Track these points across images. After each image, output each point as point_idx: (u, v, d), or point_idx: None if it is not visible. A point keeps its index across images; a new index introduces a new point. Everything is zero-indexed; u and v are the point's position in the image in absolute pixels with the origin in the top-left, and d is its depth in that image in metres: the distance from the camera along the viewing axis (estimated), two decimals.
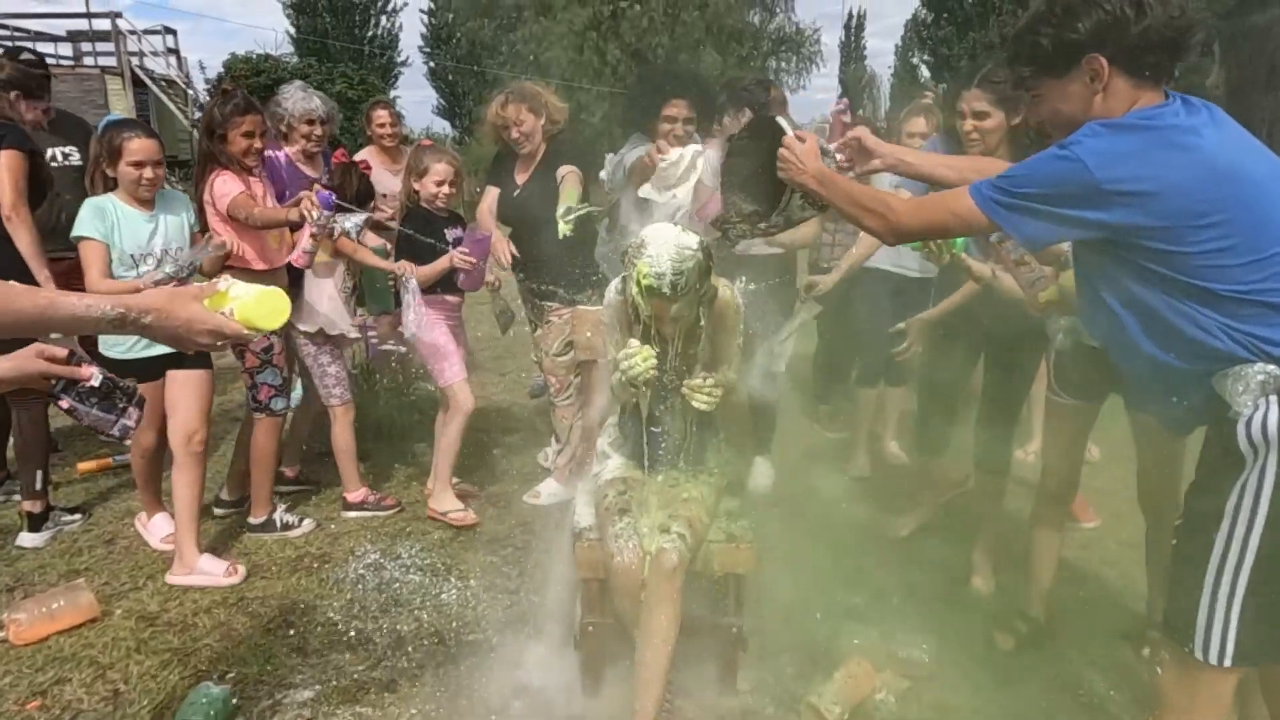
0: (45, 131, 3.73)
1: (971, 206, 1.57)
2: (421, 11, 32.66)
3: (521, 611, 2.80)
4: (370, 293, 4.01)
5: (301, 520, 3.41)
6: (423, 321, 3.25)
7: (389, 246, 3.56)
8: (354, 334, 3.60)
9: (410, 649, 2.60)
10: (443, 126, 32.22)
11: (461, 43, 30.90)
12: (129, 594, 2.91)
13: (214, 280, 1.58)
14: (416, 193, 3.38)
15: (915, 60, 31.21)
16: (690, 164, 2.79)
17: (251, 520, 3.37)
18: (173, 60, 20.04)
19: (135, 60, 18.21)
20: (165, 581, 2.97)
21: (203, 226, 3.10)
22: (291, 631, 2.69)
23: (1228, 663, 1.49)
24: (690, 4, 24.75)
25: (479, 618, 2.77)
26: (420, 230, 3.29)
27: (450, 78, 32.98)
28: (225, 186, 2.99)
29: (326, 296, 3.36)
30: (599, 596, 2.27)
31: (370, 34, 29.63)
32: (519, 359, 6.08)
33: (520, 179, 3.46)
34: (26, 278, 3.10)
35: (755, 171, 2.07)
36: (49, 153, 3.77)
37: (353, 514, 3.53)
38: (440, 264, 3.27)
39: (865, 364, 4.05)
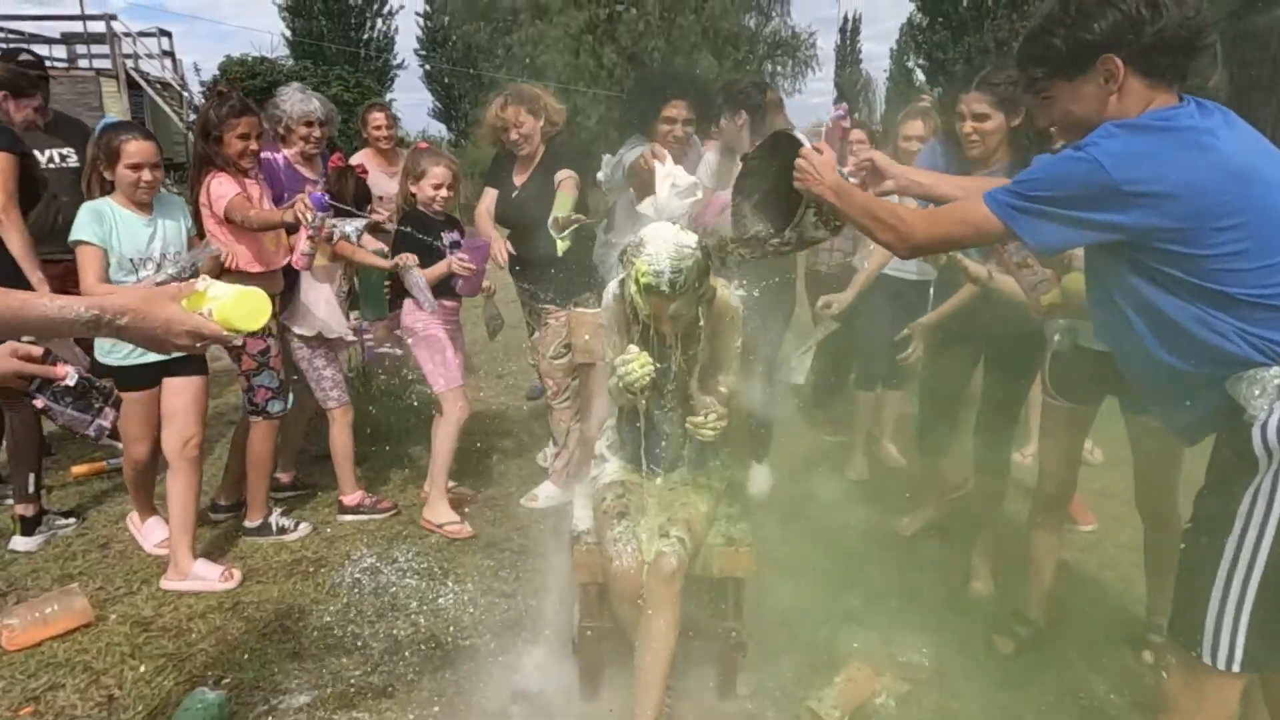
0: (42, 133, 3.71)
1: (987, 214, 1.56)
2: (417, 14, 32.62)
3: (519, 615, 2.79)
4: (366, 297, 3.99)
5: (297, 524, 3.39)
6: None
7: (385, 249, 3.54)
8: (350, 337, 3.59)
9: (407, 654, 2.58)
10: (439, 129, 32.18)
11: (457, 46, 30.86)
12: (123, 599, 2.89)
13: (191, 280, 1.54)
14: (414, 196, 3.37)
15: (910, 64, 31.29)
16: (688, 190, 2.77)
17: (247, 524, 3.35)
18: (168, 63, 20.01)
19: (130, 63, 18.17)
20: (160, 586, 2.94)
21: (199, 230, 3.09)
22: (287, 636, 2.67)
23: (1236, 668, 1.48)
24: (686, 7, 24.76)
25: (476, 622, 2.75)
26: (417, 234, 3.28)
27: (446, 81, 32.94)
28: (221, 189, 2.98)
29: (324, 300, 3.35)
30: (597, 600, 2.26)
31: (366, 37, 29.54)
32: (516, 362, 6.07)
33: (519, 180, 3.46)
34: (19, 280, 3.08)
35: (770, 190, 2.07)
36: (46, 154, 3.75)
37: (349, 518, 3.51)
38: (438, 269, 3.26)
39: (863, 367, 4.05)
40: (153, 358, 2.80)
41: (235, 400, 4.70)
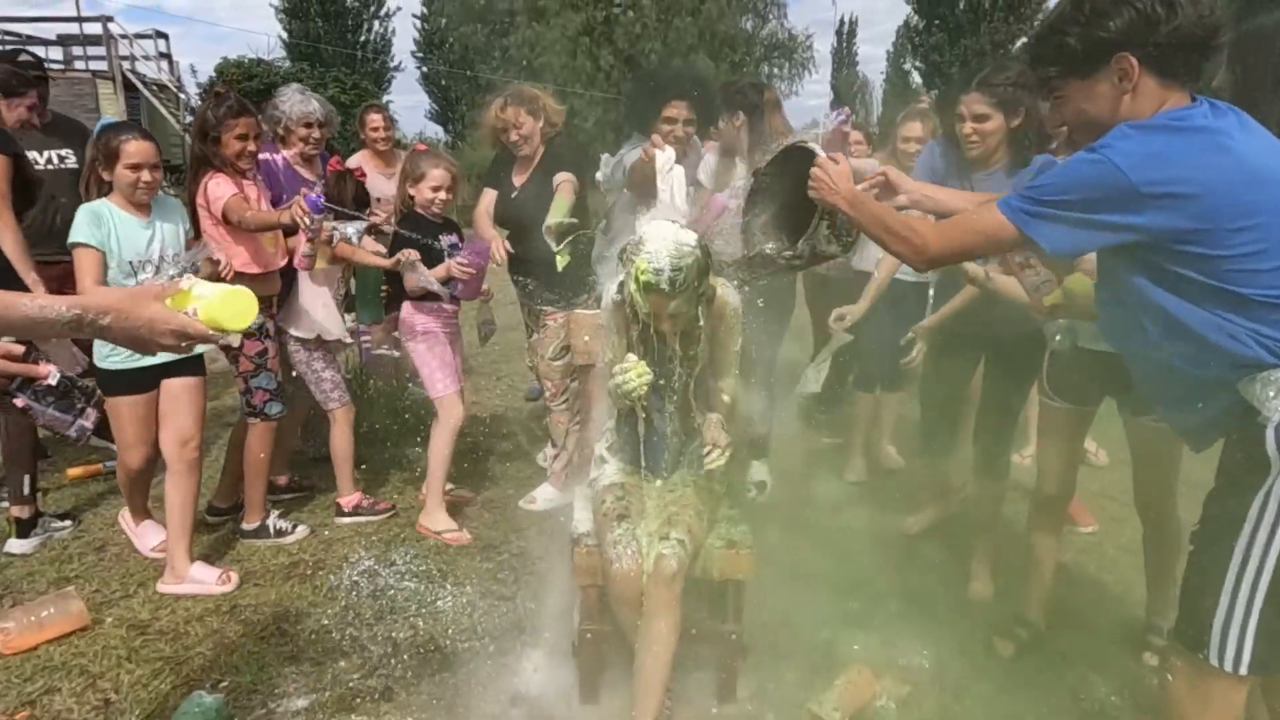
0: (41, 134, 3.70)
1: (1002, 222, 1.55)
2: (414, 16, 32.63)
3: (518, 618, 2.77)
4: (362, 301, 3.97)
5: (295, 526, 3.37)
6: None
7: (384, 250, 3.53)
8: (348, 339, 3.58)
9: (406, 657, 2.57)
10: (435, 131, 32.19)
11: (454, 48, 30.85)
12: (120, 602, 2.87)
13: (175, 279, 1.52)
14: (412, 198, 3.35)
15: (907, 67, 31.36)
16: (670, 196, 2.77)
17: (244, 526, 3.33)
18: (164, 64, 19.96)
19: (126, 64, 18.12)
20: (156, 589, 2.93)
21: (195, 231, 3.07)
22: (285, 639, 2.66)
23: (1243, 671, 1.47)
24: (683, 10, 24.78)
25: (475, 625, 2.74)
26: (416, 236, 3.26)
27: (443, 83, 32.93)
28: (219, 189, 2.97)
29: (322, 303, 3.34)
30: (597, 603, 2.25)
31: (363, 39, 29.54)
32: (514, 363, 6.06)
33: (518, 181, 3.45)
34: (14, 282, 3.06)
35: (781, 208, 2.06)
36: (44, 155, 3.74)
37: (346, 520, 3.50)
38: (437, 272, 3.24)
39: (861, 369, 4.04)
40: (150, 361, 2.78)
41: (231, 402, 4.69)
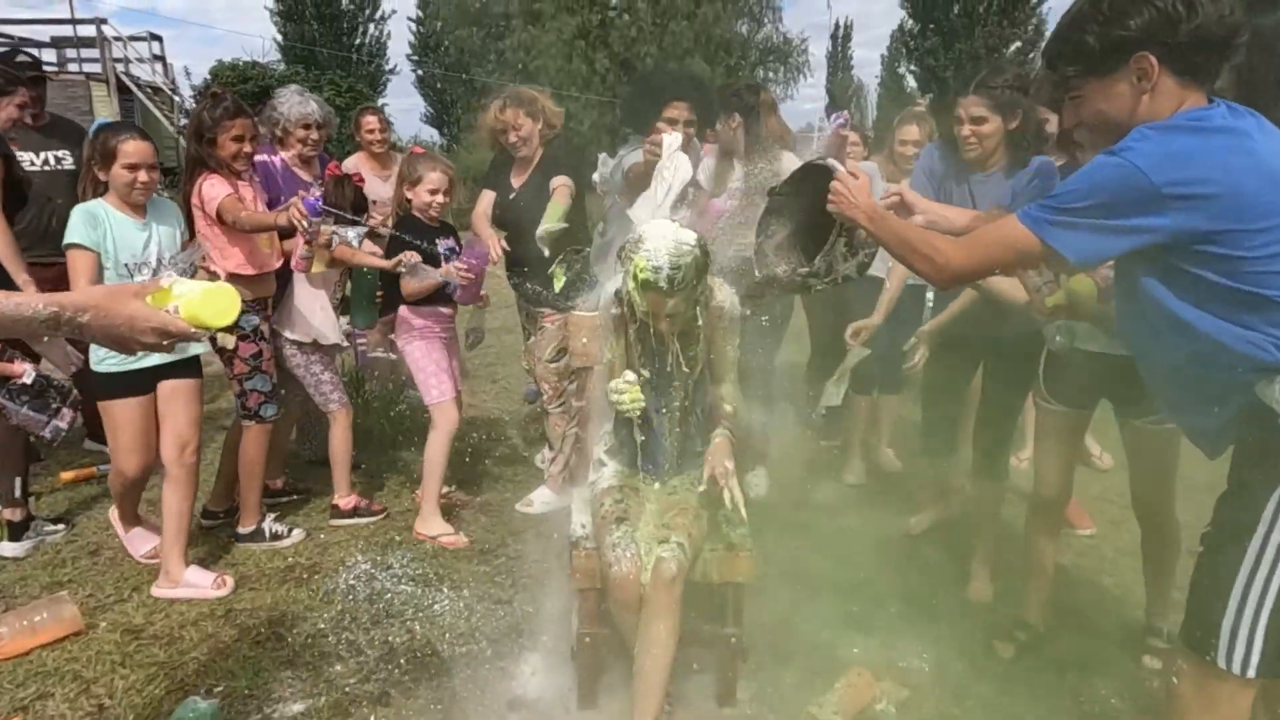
0: (38, 134, 3.69)
1: (1024, 233, 1.53)
2: (410, 20, 32.65)
3: (515, 622, 2.76)
4: (356, 305, 3.95)
5: (291, 530, 3.35)
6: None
7: (380, 252, 3.52)
8: (345, 344, 3.56)
9: (403, 661, 2.55)
10: (431, 134, 32.17)
11: (450, 51, 30.87)
12: (114, 606, 2.85)
13: (156, 277, 1.49)
14: (409, 201, 3.34)
15: (902, 70, 31.47)
16: (668, 189, 2.75)
17: (240, 530, 3.31)
18: (158, 67, 19.92)
19: (120, 67, 18.08)
20: (151, 594, 2.90)
21: (191, 232, 3.05)
22: (281, 644, 2.64)
23: (1251, 673, 1.47)
24: (679, 13, 24.83)
25: (472, 629, 2.72)
26: (412, 240, 3.24)
27: (439, 86, 32.93)
28: (214, 190, 2.95)
29: (320, 307, 3.32)
30: (596, 607, 2.24)
31: (358, 41, 29.52)
32: (510, 366, 6.05)
33: (516, 183, 3.45)
34: (5, 283, 3.04)
35: (794, 231, 2.05)
36: (41, 156, 3.73)
37: (342, 522, 3.48)
38: (436, 276, 3.23)
39: (859, 371, 4.04)
40: (146, 363, 2.75)
41: (226, 406, 4.67)
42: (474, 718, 2.31)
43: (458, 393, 3.42)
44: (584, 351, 3.33)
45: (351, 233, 3.06)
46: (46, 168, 3.74)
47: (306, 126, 3.49)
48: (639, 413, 2.20)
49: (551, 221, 3.11)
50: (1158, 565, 2.58)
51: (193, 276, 2.71)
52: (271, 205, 3.22)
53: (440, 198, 3.31)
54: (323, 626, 2.73)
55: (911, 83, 29.39)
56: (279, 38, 28.38)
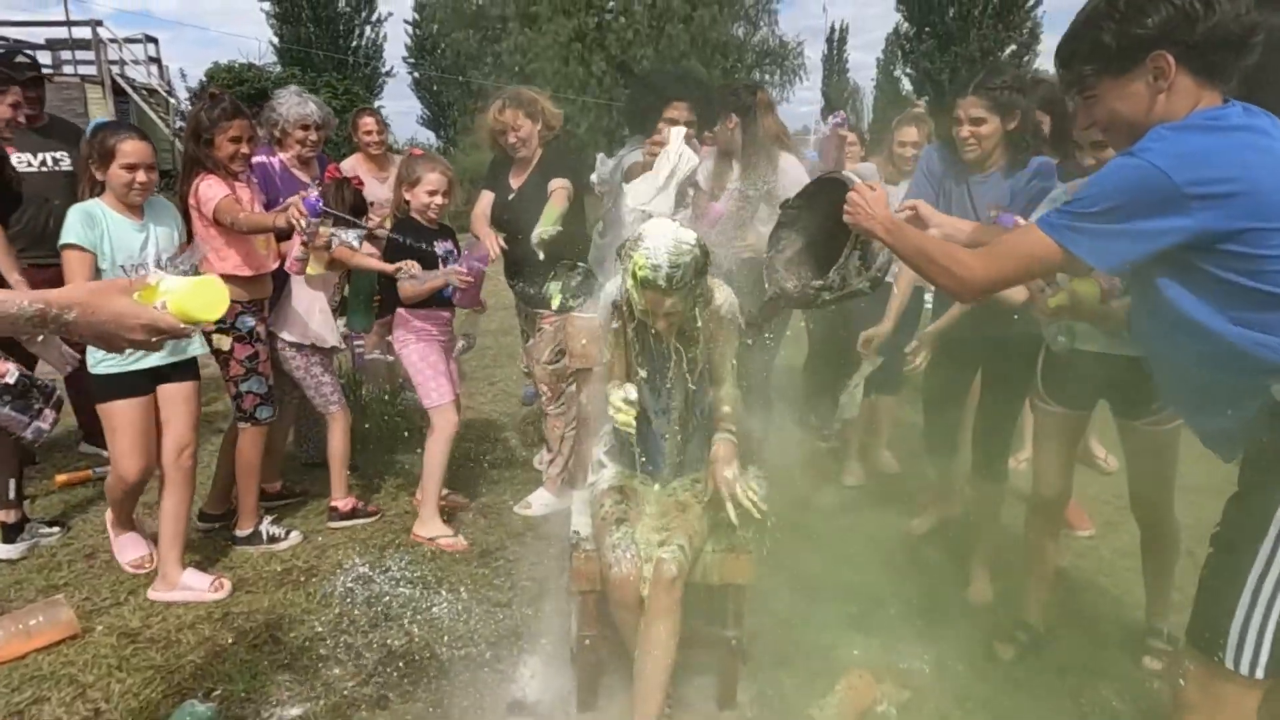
0: (36, 135, 3.68)
1: (1046, 242, 1.51)
2: (406, 22, 32.64)
3: (514, 624, 2.75)
4: (353, 308, 3.93)
5: (288, 533, 3.34)
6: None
7: (376, 253, 3.51)
8: (343, 346, 3.55)
9: (401, 664, 2.54)
10: (427, 137, 32.17)
11: (446, 53, 30.87)
12: (110, 610, 2.83)
13: (142, 274, 1.48)
14: (407, 203, 3.33)
15: (897, 73, 31.58)
16: (675, 170, 2.74)
17: (237, 533, 3.30)
18: (154, 69, 19.88)
19: (116, 69, 18.05)
20: (147, 597, 2.89)
21: (189, 233, 3.04)
22: (278, 647, 2.63)
23: (1259, 674, 1.46)
24: (675, 16, 24.88)
25: (471, 631, 2.71)
26: (411, 241, 3.24)
27: (435, 88, 32.94)
28: (211, 190, 2.94)
29: (318, 309, 3.31)
30: (595, 608, 2.23)
31: (354, 44, 29.51)
32: (507, 368, 6.04)
33: (515, 183, 3.44)
34: None
35: (806, 246, 2.04)
36: (39, 157, 3.72)
37: (340, 524, 3.47)
38: (435, 279, 3.22)
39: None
40: (144, 364, 2.74)
41: (222, 408, 4.66)
42: None
43: (456, 395, 3.41)
44: (583, 353, 3.32)
45: (350, 234, 3.05)
46: (44, 168, 3.73)
47: (305, 128, 3.48)
48: (631, 429, 2.20)
49: (547, 224, 3.10)
50: (1157, 566, 2.58)
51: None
52: (269, 207, 3.21)
53: (439, 199, 3.30)
54: (320, 629, 2.72)
55: (907, 85, 29.50)
56: (275, 40, 28.37)
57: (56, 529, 3.39)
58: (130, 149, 2.69)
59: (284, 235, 3.15)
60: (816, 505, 3.64)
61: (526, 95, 3.37)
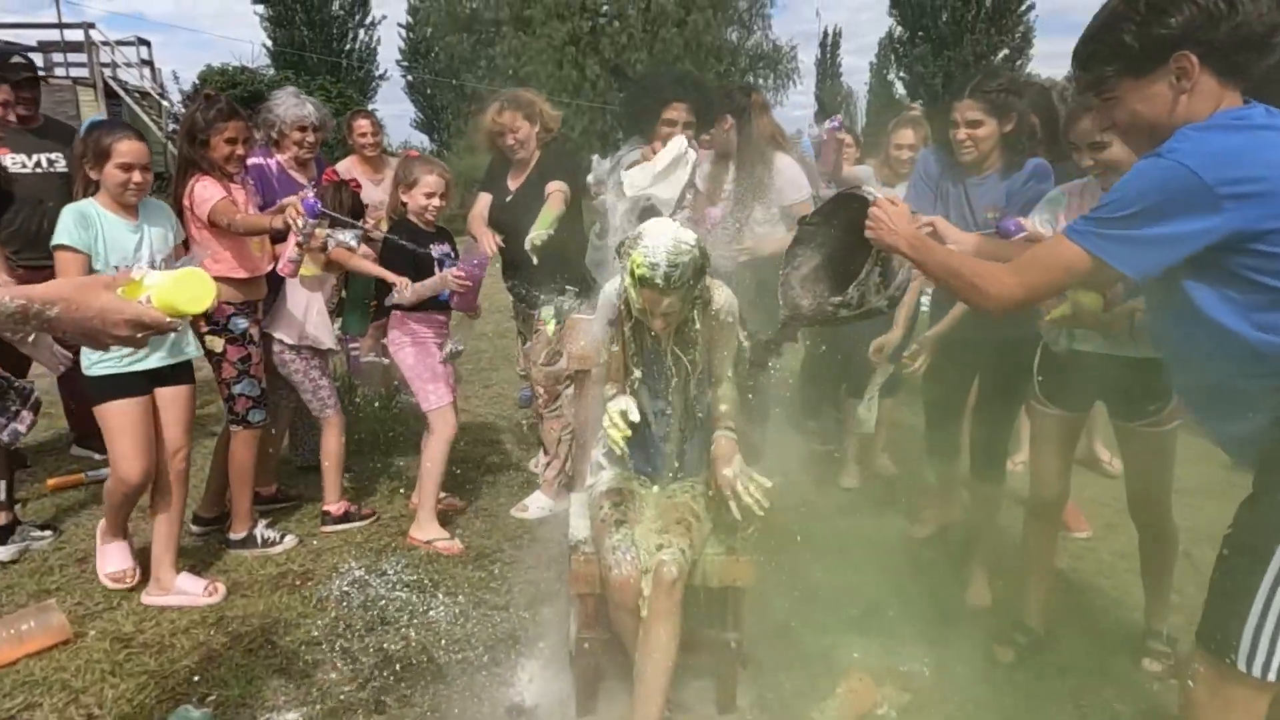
0: (32, 136, 3.66)
1: (1075, 251, 1.49)
2: (400, 26, 32.62)
3: (512, 628, 2.73)
4: (351, 311, 3.92)
5: (283, 536, 3.31)
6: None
7: (373, 255, 3.49)
8: (338, 348, 3.53)
9: (398, 668, 2.52)
10: (421, 140, 32.15)
11: (440, 57, 30.86)
12: (103, 614, 2.80)
13: (126, 269, 1.46)
14: (404, 205, 3.31)
15: (891, 78, 31.73)
16: (676, 161, 2.74)
17: (231, 536, 3.27)
18: (146, 72, 19.81)
19: (108, 71, 17.98)
20: (141, 601, 2.86)
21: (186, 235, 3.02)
22: (274, 651, 2.60)
23: (1271, 677, 1.45)
24: (669, 21, 24.95)
25: (468, 635, 2.69)
26: (407, 244, 3.22)
27: (429, 92, 32.92)
28: (206, 192, 2.92)
29: (315, 311, 3.29)
30: (594, 611, 2.22)
31: (348, 47, 29.47)
32: (503, 371, 6.03)
33: (513, 185, 3.44)
34: None
35: (822, 263, 2.04)
36: (34, 159, 3.70)
37: (335, 528, 3.44)
38: (432, 283, 3.20)
39: (854, 376, 4.04)
40: (142, 365, 2.71)
41: (215, 411, 4.63)
42: None
43: (453, 399, 3.39)
44: (581, 355, 3.31)
45: (348, 234, 3.03)
46: (39, 170, 3.71)
47: (302, 129, 3.46)
48: (623, 444, 2.19)
49: (541, 229, 3.09)
50: (1156, 568, 2.58)
51: None
52: (265, 209, 3.19)
53: (437, 201, 3.28)
54: (316, 634, 2.70)
55: (900, 90, 29.63)
56: (268, 43, 28.31)
57: (48, 533, 3.36)
58: (126, 149, 2.65)
59: (279, 237, 3.13)
60: (815, 508, 3.63)
61: (525, 97, 3.37)
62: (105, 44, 18.24)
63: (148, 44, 20.18)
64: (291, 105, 3.44)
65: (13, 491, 3.30)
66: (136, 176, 2.68)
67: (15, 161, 3.65)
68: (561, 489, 3.54)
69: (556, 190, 3.25)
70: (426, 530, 3.33)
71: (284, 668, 2.52)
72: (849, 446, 4.06)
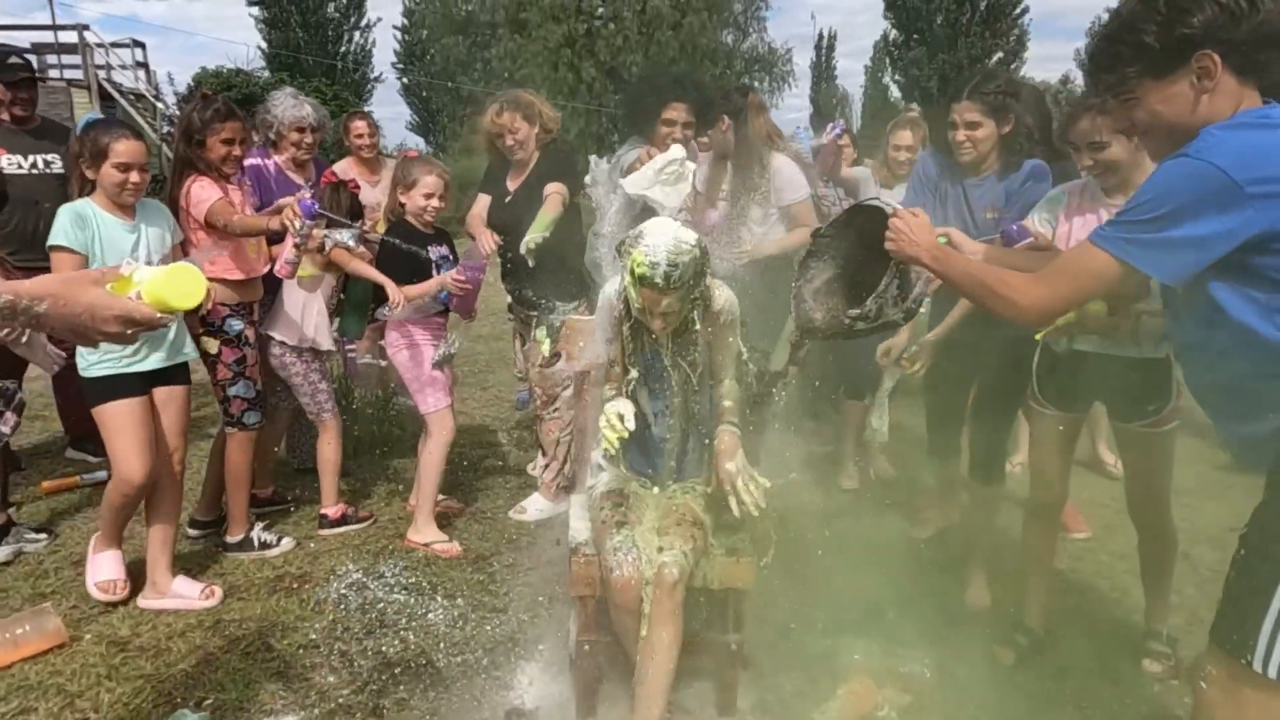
0: (28, 137, 3.64)
1: (1104, 258, 1.47)
2: (395, 28, 32.64)
3: (511, 630, 2.72)
4: (349, 314, 3.90)
5: (280, 538, 3.30)
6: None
7: (370, 256, 3.48)
8: (335, 350, 3.52)
9: (396, 671, 2.51)
10: (416, 142, 32.13)
11: (435, 59, 30.86)
12: (98, 618, 2.79)
13: (115, 265, 1.45)
14: (403, 205, 3.30)
15: (886, 80, 31.82)
16: (678, 168, 2.73)
17: (228, 539, 3.25)
18: (141, 74, 19.76)
19: (103, 73, 17.92)
20: (137, 605, 2.84)
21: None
22: (271, 655, 2.59)
23: None
24: (664, 23, 25.00)
25: (467, 638, 2.68)
26: (406, 245, 3.21)
27: (424, 94, 32.92)
28: (203, 192, 2.90)
29: (315, 312, 3.28)
30: (594, 613, 2.21)
31: (343, 49, 29.46)
32: (500, 373, 6.01)
33: (512, 186, 3.43)
34: None
35: (835, 276, 2.02)
36: (30, 159, 3.68)
37: (332, 530, 3.43)
38: (430, 286, 3.19)
39: (852, 377, 4.04)
40: (140, 366, 2.69)
41: (211, 414, 4.60)
42: None
43: (452, 400, 3.38)
44: (581, 356, 3.30)
45: (345, 235, 3.02)
46: (35, 170, 3.70)
47: (300, 130, 3.45)
48: (618, 448, 2.19)
49: (538, 231, 3.09)
50: (1155, 569, 2.58)
51: None
52: (263, 210, 3.18)
53: (435, 202, 3.27)
54: (314, 637, 2.68)
55: (895, 92, 29.72)
56: (264, 45, 28.28)
57: (43, 536, 3.34)
58: (124, 149, 2.63)
59: (276, 238, 3.12)
60: (814, 509, 3.63)
61: (524, 98, 3.36)
62: (99, 46, 18.18)
63: (142, 46, 20.15)
64: (290, 106, 3.43)
65: (7, 494, 3.28)
66: (134, 176, 2.66)
67: (11, 162, 3.64)
68: (560, 491, 3.53)
69: (554, 192, 3.24)
70: (425, 533, 3.32)
71: (281, 671, 2.51)
72: (848, 447, 4.05)
